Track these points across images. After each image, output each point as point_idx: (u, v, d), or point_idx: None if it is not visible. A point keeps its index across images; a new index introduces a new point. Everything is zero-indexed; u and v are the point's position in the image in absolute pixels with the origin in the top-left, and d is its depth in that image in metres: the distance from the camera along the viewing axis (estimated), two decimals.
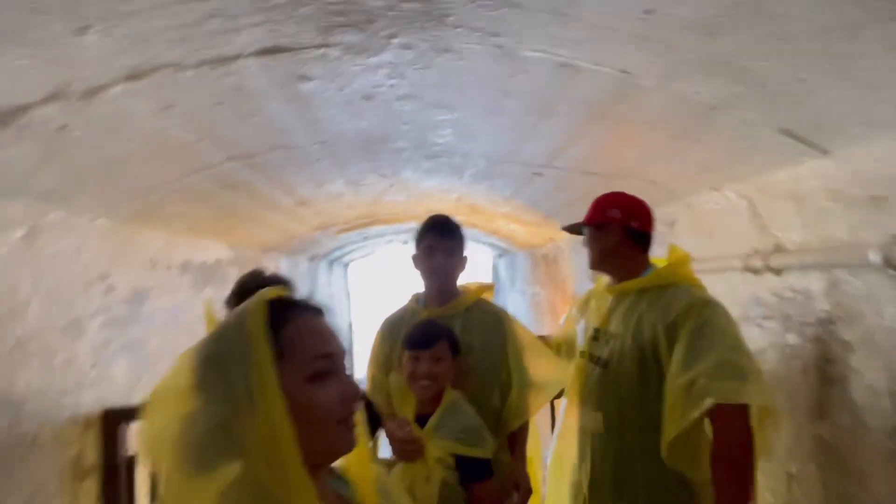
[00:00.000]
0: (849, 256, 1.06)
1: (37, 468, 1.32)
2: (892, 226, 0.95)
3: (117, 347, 1.67)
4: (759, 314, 1.39)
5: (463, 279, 1.58)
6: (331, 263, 5.80)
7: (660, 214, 1.96)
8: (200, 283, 2.31)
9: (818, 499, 1.19)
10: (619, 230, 1.27)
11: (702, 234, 1.67)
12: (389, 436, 1.28)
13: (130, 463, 1.62)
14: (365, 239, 4.92)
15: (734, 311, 1.48)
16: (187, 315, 2.15)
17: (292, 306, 0.59)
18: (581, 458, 1.28)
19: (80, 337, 1.50)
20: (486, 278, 7.24)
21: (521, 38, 1.00)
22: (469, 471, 1.22)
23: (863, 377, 1.05)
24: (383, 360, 1.51)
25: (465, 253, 1.52)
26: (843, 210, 1.09)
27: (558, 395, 1.51)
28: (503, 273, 6.41)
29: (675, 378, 1.05)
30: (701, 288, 1.22)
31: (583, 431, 1.30)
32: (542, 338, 1.68)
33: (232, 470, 0.44)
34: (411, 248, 1.52)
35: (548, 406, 1.66)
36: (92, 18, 0.77)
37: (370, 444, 1.42)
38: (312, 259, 4.80)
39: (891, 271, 0.93)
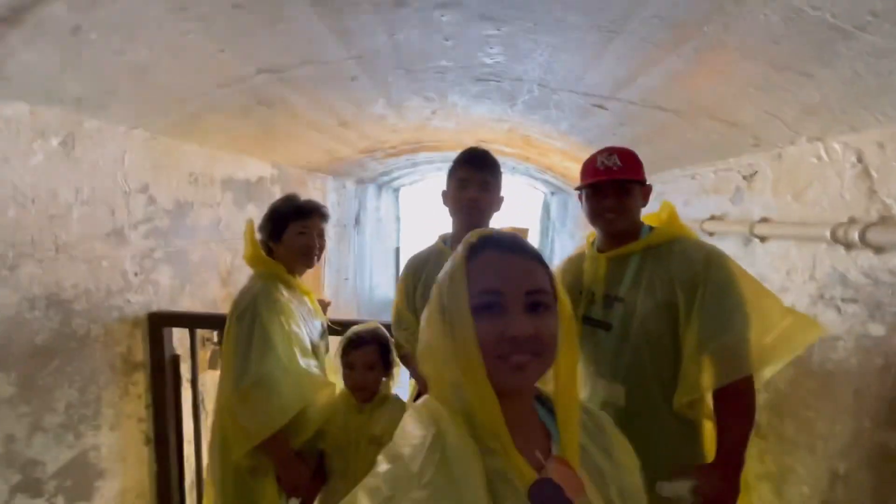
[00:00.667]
0: None
1: (89, 361, 1.46)
2: None
3: (160, 257, 1.75)
4: (841, 295, 1.17)
5: (498, 221, 1.45)
6: (380, 188, 5.79)
7: (736, 164, 1.68)
8: (243, 200, 2.35)
9: None
10: (647, 189, 1.23)
11: (786, 193, 1.40)
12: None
13: (175, 361, 1.78)
14: (414, 165, 4.79)
15: (807, 288, 1.27)
16: (230, 230, 2.22)
17: (487, 241, 0.61)
18: None
19: (123, 245, 1.57)
20: (535, 216, 6.98)
21: None
22: None
23: None
24: (407, 298, 1.47)
25: (503, 193, 1.38)
26: None
27: None
28: (554, 213, 6.13)
29: (694, 348, 1.07)
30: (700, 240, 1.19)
31: (597, 402, 1.21)
32: None
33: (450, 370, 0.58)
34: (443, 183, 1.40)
35: None
36: None
37: (391, 380, 1.45)
38: (360, 182, 4.79)
39: None
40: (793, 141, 1.35)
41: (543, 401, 0.65)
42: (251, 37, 1.27)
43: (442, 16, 1.24)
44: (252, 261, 1.36)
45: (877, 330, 1.06)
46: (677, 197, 2.12)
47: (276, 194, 2.58)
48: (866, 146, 1.12)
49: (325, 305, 1.61)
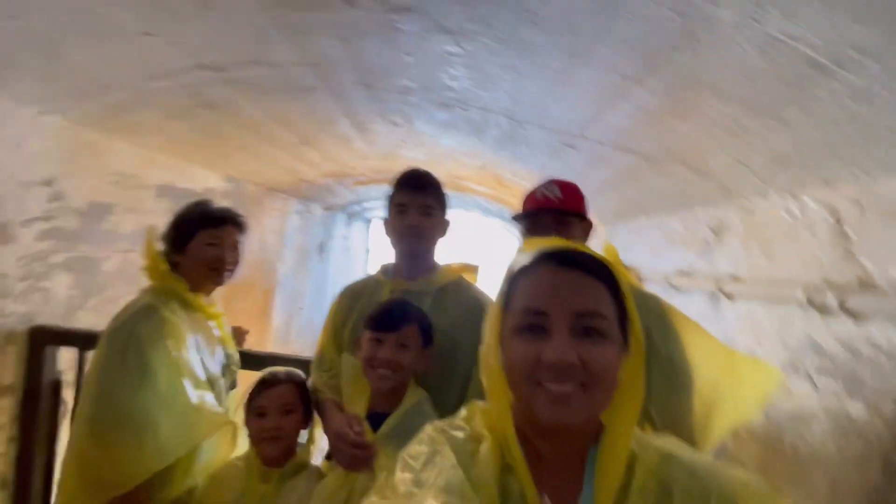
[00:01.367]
0: None
1: None
2: None
3: (58, 262, 1.51)
4: (815, 366, 1.04)
5: (446, 257, 1.30)
6: (350, 216, 5.63)
7: (703, 215, 1.60)
8: None
9: None
10: (587, 224, 1.12)
11: (756, 250, 1.30)
12: (334, 433, 1.03)
13: (56, 386, 1.50)
14: (386, 196, 4.68)
15: (778, 355, 1.14)
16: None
17: (543, 254, 0.54)
18: None
19: (6, 242, 1.34)
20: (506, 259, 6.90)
21: None
22: None
23: None
24: (335, 334, 1.27)
25: (447, 217, 1.23)
26: None
27: None
28: None
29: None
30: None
31: None
32: None
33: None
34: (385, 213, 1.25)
35: None
36: None
37: (305, 432, 1.18)
38: (329, 208, 4.63)
39: None
40: (763, 193, 1.26)
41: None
42: (181, 22, 1.13)
43: (397, 22, 1.13)
44: (149, 274, 1.15)
45: (856, 410, 0.93)
46: (644, 248, 2.03)
47: None
48: (842, 203, 1.03)
49: (241, 334, 1.39)
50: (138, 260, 1.91)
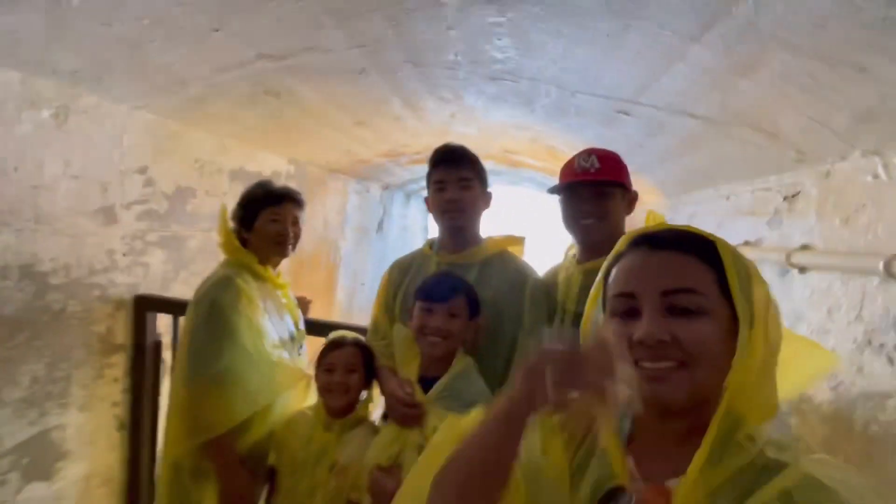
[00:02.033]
0: None
1: (61, 337, 1.43)
2: None
3: (153, 240, 1.73)
4: (895, 342, 0.95)
5: (492, 230, 1.32)
6: (408, 196, 5.75)
7: (776, 183, 1.46)
8: None
9: None
10: (631, 196, 1.12)
11: (833, 217, 1.18)
12: (388, 394, 1.14)
13: (157, 347, 1.73)
14: (426, 175, 4.71)
15: (853, 331, 1.05)
16: None
17: (636, 239, 0.56)
18: None
19: (112, 223, 1.55)
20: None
21: None
22: None
23: None
24: (387, 305, 1.35)
25: (488, 189, 1.25)
26: None
27: None
28: None
29: None
30: None
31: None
32: None
33: None
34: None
35: None
36: None
37: (365, 395, 1.30)
38: (387, 188, 4.76)
39: None
40: (844, 155, 1.14)
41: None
42: (244, 14, 1.22)
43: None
44: (224, 249, 1.29)
45: None
46: (709, 220, 1.91)
47: None
48: None
49: (305, 304, 1.52)
50: (216, 238, 2.13)
